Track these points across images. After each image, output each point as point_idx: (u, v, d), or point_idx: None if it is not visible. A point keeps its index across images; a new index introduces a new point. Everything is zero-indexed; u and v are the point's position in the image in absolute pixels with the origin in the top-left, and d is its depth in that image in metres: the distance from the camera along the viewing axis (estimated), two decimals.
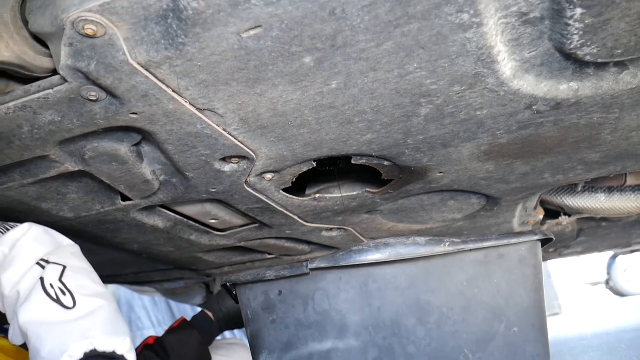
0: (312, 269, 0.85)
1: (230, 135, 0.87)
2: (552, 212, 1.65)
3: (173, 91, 0.73)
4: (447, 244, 0.84)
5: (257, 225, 1.39)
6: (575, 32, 0.67)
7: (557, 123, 0.91)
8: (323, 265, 0.85)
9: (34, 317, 0.88)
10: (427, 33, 0.65)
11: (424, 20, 0.63)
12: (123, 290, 3.83)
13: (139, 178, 1.01)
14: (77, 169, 0.96)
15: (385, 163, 1.05)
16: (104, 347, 0.88)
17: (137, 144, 0.93)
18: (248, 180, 1.06)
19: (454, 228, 1.57)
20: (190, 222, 1.35)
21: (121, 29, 0.63)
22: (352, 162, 1.03)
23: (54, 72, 0.73)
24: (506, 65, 0.73)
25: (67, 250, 0.99)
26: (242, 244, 1.57)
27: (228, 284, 1.02)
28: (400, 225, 1.51)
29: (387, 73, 0.73)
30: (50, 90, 0.72)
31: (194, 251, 1.58)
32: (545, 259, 2.83)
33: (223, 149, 0.91)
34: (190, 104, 0.77)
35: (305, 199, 1.22)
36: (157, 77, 0.70)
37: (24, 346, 0.92)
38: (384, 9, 0.61)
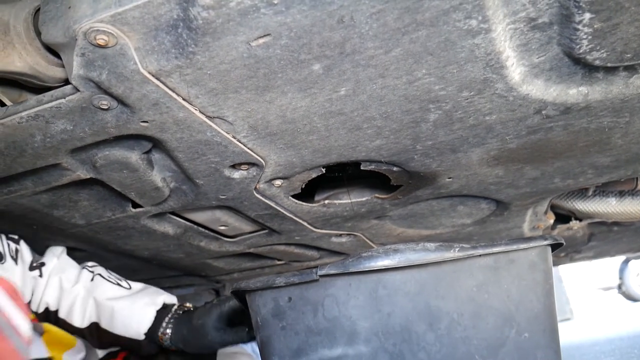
0: (321, 276, 0.85)
1: (240, 142, 0.87)
2: (563, 217, 1.64)
3: (183, 99, 0.74)
4: (457, 249, 0.84)
5: (266, 231, 1.39)
6: (584, 36, 0.67)
7: (566, 127, 0.90)
8: (332, 271, 0.84)
9: (110, 295, 1.22)
10: (435, 39, 0.66)
11: (432, 27, 0.64)
12: None
13: (150, 185, 1.02)
14: (88, 176, 0.97)
15: (394, 169, 1.05)
16: (170, 300, 1.29)
17: (148, 152, 0.94)
18: (257, 186, 1.07)
19: (463, 233, 1.57)
20: (200, 229, 1.35)
21: (132, 38, 0.64)
22: (361, 168, 1.03)
23: (66, 81, 0.74)
24: (515, 70, 0.73)
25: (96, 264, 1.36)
26: (251, 250, 1.58)
27: (238, 291, 1.02)
28: (410, 231, 1.51)
29: (396, 79, 0.73)
30: (63, 100, 0.73)
31: (203, 257, 1.59)
32: (556, 264, 2.81)
33: (232, 156, 0.92)
34: (200, 111, 0.77)
35: (314, 205, 1.23)
36: (167, 86, 0.71)
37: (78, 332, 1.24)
38: (392, 16, 0.61)
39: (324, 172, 1.05)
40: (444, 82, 0.75)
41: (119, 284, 1.28)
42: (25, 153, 0.86)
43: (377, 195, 1.23)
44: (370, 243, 1.57)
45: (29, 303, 1.17)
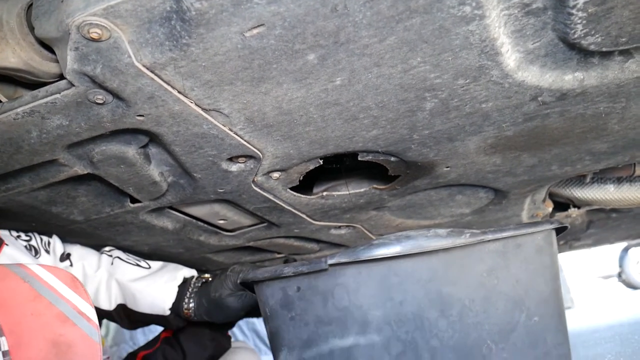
0: (331, 265, 0.83)
1: (236, 134, 0.87)
2: (561, 205, 1.64)
3: (178, 92, 0.74)
4: (468, 235, 0.84)
5: (265, 224, 1.40)
6: (579, 21, 0.67)
7: (563, 114, 0.90)
8: (343, 260, 0.83)
9: (131, 276, 1.28)
10: (429, 27, 0.65)
11: (426, 14, 0.63)
12: None
13: (147, 180, 1.02)
14: (85, 172, 0.97)
15: (392, 159, 1.05)
16: (189, 273, 1.34)
17: (145, 146, 0.94)
18: (255, 179, 1.07)
19: (462, 223, 1.57)
20: (199, 223, 1.35)
21: (125, 31, 0.63)
22: (359, 158, 1.03)
23: (61, 76, 0.74)
24: (510, 56, 0.73)
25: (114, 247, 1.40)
26: (251, 244, 1.58)
27: (246, 281, 1.02)
28: (409, 221, 1.51)
29: (391, 68, 0.73)
30: (58, 95, 0.73)
31: (203, 252, 1.59)
32: None
33: (229, 149, 0.91)
34: (195, 104, 0.77)
35: (312, 197, 1.23)
36: (162, 79, 0.70)
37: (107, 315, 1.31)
38: (386, 4, 0.61)
39: (322, 163, 1.05)
40: (439, 70, 0.75)
41: (138, 265, 1.33)
42: (21, 149, 0.85)
43: (375, 186, 1.23)
44: (370, 234, 1.57)
45: None
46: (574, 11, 0.65)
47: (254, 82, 0.73)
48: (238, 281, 1.20)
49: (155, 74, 0.69)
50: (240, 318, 1.40)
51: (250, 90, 0.75)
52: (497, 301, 0.87)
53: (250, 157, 0.96)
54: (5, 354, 0.79)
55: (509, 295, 0.88)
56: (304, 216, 1.33)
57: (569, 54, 0.75)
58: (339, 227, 1.49)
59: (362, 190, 1.24)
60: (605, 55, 0.76)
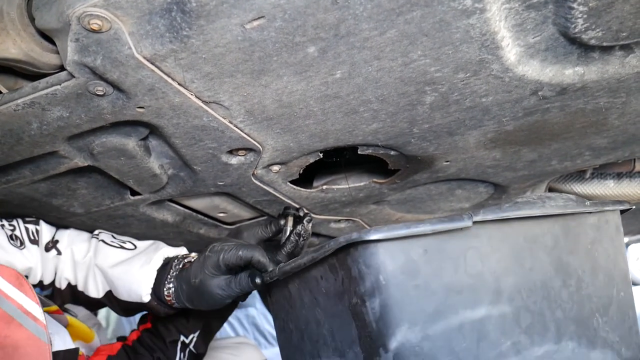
0: (475, 222, 0.75)
1: (237, 127, 0.87)
2: None
3: (179, 84, 0.74)
4: (588, 202, 0.87)
5: (265, 217, 1.40)
6: (579, 15, 0.67)
7: (563, 108, 0.90)
8: (489, 217, 0.76)
9: (112, 261, 1.17)
10: (430, 20, 0.65)
11: (427, 7, 0.63)
12: None
13: (147, 172, 1.02)
14: (86, 164, 0.97)
15: (392, 153, 1.05)
16: (172, 253, 1.19)
17: (145, 138, 0.94)
18: (255, 172, 1.07)
19: None
20: (199, 216, 1.36)
21: (126, 23, 0.63)
22: (359, 152, 1.03)
23: (61, 68, 0.74)
24: (510, 50, 0.73)
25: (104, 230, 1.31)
26: None
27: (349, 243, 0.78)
28: (408, 216, 1.51)
29: (391, 61, 0.73)
30: (58, 86, 0.73)
31: (203, 245, 1.59)
32: None
33: (230, 142, 0.92)
34: (196, 96, 0.77)
35: (312, 190, 1.23)
36: (162, 71, 0.70)
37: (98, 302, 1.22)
38: None
39: (322, 157, 1.05)
40: (439, 64, 0.74)
41: (122, 247, 1.21)
42: (22, 141, 0.86)
43: (374, 180, 1.23)
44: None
45: (53, 282, 1.17)
46: (574, 5, 0.65)
47: (254, 75, 0.73)
48: (220, 262, 1.04)
49: (156, 66, 0.69)
50: (227, 304, 1.21)
51: (251, 83, 0.75)
52: (599, 274, 0.87)
53: (250, 150, 0.96)
54: None
55: (605, 268, 0.89)
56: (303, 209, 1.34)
57: (569, 49, 0.75)
58: (339, 220, 1.49)
59: (362, 184, 1.24)
60: (606, 49, 0.76)
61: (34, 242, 1.15)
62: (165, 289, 1.11)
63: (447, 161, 1.11)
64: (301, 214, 1.18)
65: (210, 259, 1.04)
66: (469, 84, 0.80)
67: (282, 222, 1.19)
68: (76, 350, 0.97)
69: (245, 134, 0.89)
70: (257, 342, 4.44)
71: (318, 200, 1.29)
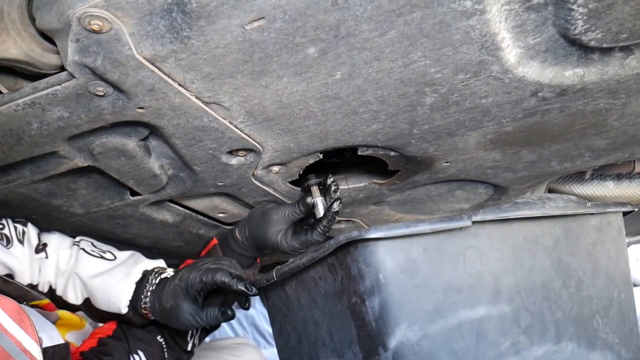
0: (474, 222, 0.76)
1: (237, 128, 0.87)
2: None
3: (179, 85, 0.74)
4: (589, 204, 0.87)
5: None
6: (579, 17, 0.67)
7: (563, 110, 0.91)
8: (488, 217, 0.77)
9: (92, 271, 1.17)
10: (430, 21, 0.66)
11: (427, 8, 0.63)
12: None
13: (147, 172, 1.02)
14: (86, 164, 0.97)
15: (392, 153, 1.05)
16: (151, 265, 1.20)
17: (145, 139, 0.94)
18: (255, 173, 1.07)
19: None
20: (199, 216, 1.36)
21: (126, 23, 0.64)
22: (358, 153, 1.03)
23: (62, 68, 0.74)
24: (510, 52, 0.73)
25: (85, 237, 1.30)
26: None
27: (353, 242, 0.78)
28: (408, 216, 1.52)
29: (391, 62, 0.73)
30: (58, 87, 0.73)
31: (203, 245, 1.59)
32: None
33: (229, 142, 0.92)
34: (196, 97, 0.77)
35: None
36: (162, 71, 0.70)
37: (76, 308, 1.22)
38: None
39: (321, 157, 1.05)
40: (439, 65, 0.75)
41: (102, 257, 1.21)
42: (22, 141, 0.86)
43: (374, 180, 1.23)
44: None
45: (37, 285, 1.18)
46: (574, 7, 0.65)
47: (254, 75, 0.73)
48: (189, 289, 1.05)
49: (156, 66, 0.69)
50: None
51: (251, 84, 0.75)
52: (599, 275, 0.88)
53: (250, 150, 0.96)
54: None
55: (606, 270, 0.89)
56: None
57: (569, 50, 0.75)
58: (339, 221, 1.49)
59: (361, 184, 1.24)
60: (606, 51, 0.76)
61: (21, 242, 1.16)
62: (142, 303, 1.13)
63: (447, 162, 1.11)
64: (328, 181, 1.15)
65: (179, 286, 1.07)
66: (469, 85, 0.80)
67: (309, 199, 1.16)
68: (67, 345, 0.97)
69: (245, 134, 0.89)
70: (257, 343, 4.44)
71: None
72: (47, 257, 1.19)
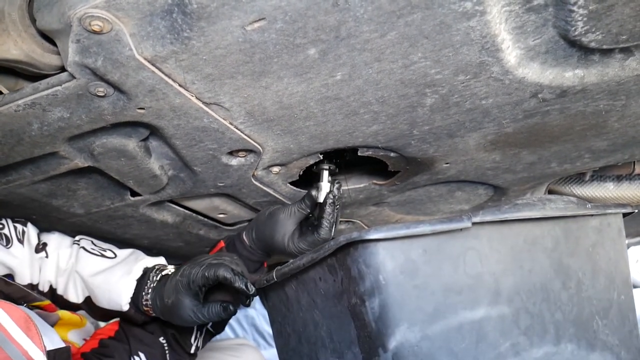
0: (474, 223, 0.76)
1: (237, 128, 0.87)
2: None
3: (179, 85, 0.74)
4: (589, 205, 0.87)
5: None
6: (579, 18, 0.67)
7: (563, 111, 0.91)
8: (488, 218, 0.77)
9: (91, 270, 1.17)
10: (430, 22, 0.66)
11: (427, 10, 0.63)
12: None
13: (148, 173, 1.02)
14: (86, 165, 0.97)
15: (392, 154, 1.05)
16: (151, 263, 1.19)
17: (145, 139, 0.94)
18: (255, 173, 1.07)
19: None
20: (199, 217, 1.36)
21: (127, 24, 0.64)
22: (359, 154, 1.03)
23: (62, 69, 0.74)
24: (510, 53, 0.73)
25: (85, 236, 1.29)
26: None
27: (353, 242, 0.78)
28: (408, 217, 1.52)
29: (392, 63, 0.73)
30: (59, 87, 0.73)
31: (203, 246, 1.60)
32: None
33: (230, 143, 0.92)
34: (196, 98, 0.77)
35: None
36: (163, 72, 0.71)
37: (78, 307, 1.21)
38: None
39: (322, 158, 1.05)
40: (439, 66, 0.75)
41: (102, 255, 1.21)
42: (22, 141, 0.86)
43: (374, 181, 1.23)
44: None
45: (37, 284, 1.18)
46: (575, 8, 0.65)
47: (254, 76, 0.73)
48: (190, 285, 1.06)
49: (157, 67, 0.69)
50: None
51: (251, 84, 0.75)
52: (599, 276, 0.88)
53: (250, 151, 0.96)
54: None
55: (606, 271, 0.90)
56: None
57: (569, 51, 0.75)
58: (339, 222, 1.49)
59: (361, 185, 1.24)
60: (606, 52, 0.77)
61: (21, 241, 1.16)
62: (143, 300, 1.13)
63: (447, 163, 1.11)
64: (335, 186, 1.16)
65: (180, 282, 1.07)
66: (469, 86, 0.80)
67: (314, 192, 1.16)
68: (68, 348, 0.97)
69: (245, 135, 0.90)
70: (256, 343, 4.44)
71: None
72: (47, 257, 1.19)
